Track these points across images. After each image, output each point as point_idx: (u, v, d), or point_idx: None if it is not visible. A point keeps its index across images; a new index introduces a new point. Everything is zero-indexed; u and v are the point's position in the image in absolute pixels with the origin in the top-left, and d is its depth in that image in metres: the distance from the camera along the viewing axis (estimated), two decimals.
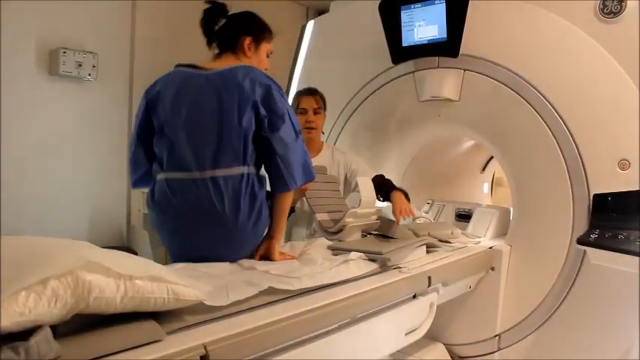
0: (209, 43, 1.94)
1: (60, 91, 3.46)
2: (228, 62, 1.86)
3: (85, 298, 1.00)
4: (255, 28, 1.95)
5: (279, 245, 1.89)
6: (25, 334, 0.91)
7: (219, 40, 1.93)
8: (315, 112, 2.55)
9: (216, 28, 1.92)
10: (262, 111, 1.76)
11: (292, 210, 2.36)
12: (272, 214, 1.86)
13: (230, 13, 1.94)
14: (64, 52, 3.36)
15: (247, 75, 1.77)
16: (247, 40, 1.91)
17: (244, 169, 1.77)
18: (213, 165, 1.75)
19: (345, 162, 2.59)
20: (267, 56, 2.00)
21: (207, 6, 1.91)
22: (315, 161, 2.54)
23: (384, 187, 2.44)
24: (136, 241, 3.76)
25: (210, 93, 1.77)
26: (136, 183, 1.99)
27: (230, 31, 1.92)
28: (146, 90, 1.91)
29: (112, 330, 1.07)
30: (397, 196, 2.38)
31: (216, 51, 1.93)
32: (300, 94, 2.65)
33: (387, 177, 2.57)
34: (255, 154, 1.81)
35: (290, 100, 2.61)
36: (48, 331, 0.94)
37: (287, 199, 1.87)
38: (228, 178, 1.74)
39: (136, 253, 1.58)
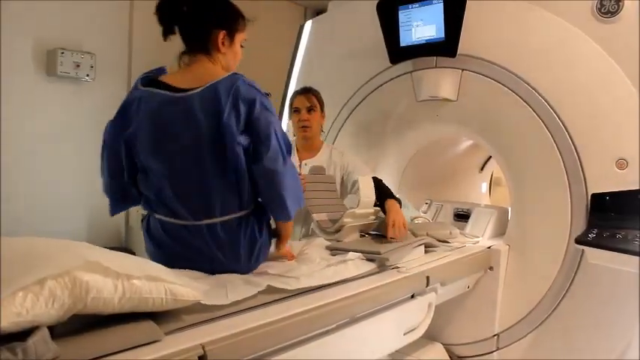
0: (166, 34, 1.62)
1: (58, 92, 3.46)
2: (201, 68, 1.61)
3: (82, 299, 1.00)
4: (228, 20, 1.66)
5: (285, 244, 1.86)
6: (22, 334, 0.91)
7: (185, 36, 1.64)
8: (309, 111, 2.54)
9: (179, 17, 1.61)
10: (243, 141, 1.54)
11: None
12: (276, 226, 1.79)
13: None
14: (62, 53, 3.36)
15: (229, 96, 1.52)
16: (221, 35, 1.63)
17: (241, 214, 1.61)
18: (206, 215, 1.58)
19: (342, 164, 2.57)
20: (242, 46, 1.73)
21: None
22: (314, 161, 2.54)
23: (379, 193, 2.37)
24: (134, 242, 3.75)
25: (192, 132, 1.54)
26: (117, 210, 1.79)
27: (198, 24, 1.63)
28: (115, 124, 1.67)
29: (110, 330, 1.07)
30: (392, 206, 2.23)
31: (185, 51, 1.65)
32: (295, 93, 2.64)
33: (383, 181, 2.56)
34: (252, 187, 1.63)
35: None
36: (45, 332, 0.94)
37: (287, 224, 1.78)
38: (225, 225, 1.58)
39: (134, 254, 1.57)
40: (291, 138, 2.60)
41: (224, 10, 1.66)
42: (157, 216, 1.65)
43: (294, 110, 2.55)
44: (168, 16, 1.60)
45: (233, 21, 1.67)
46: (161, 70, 1.66)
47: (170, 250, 1.63)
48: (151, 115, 1.58)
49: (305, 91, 2.59)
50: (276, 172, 1.57)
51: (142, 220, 1.75)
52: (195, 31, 1.63)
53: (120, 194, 1.73)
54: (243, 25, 1.70)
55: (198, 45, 1.63)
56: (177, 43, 1.63)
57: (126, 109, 1.65)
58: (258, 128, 1.55)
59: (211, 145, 1.53)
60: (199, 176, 1.56)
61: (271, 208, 1.66)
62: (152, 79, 1.63)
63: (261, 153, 1.56)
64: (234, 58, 1.70)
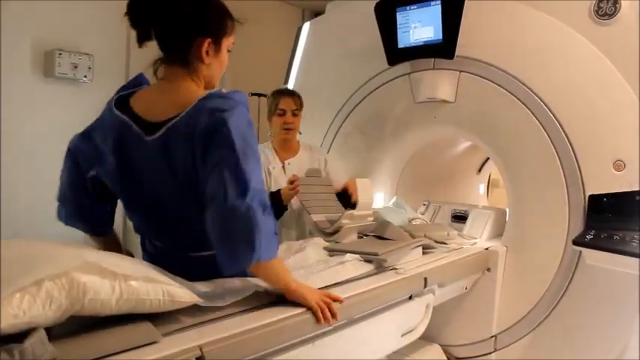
0: (141, 40, 1.39)
1: (55, 93, 3.45)
2: (179, 90, 1.38)
3: (79, 300, 1.00)
4: (214, 24, 1.40)
5: (292, 288, 1.43)
6: (19, 336, 0.91)
7: (161, 44, 1.40)
8: (294, 114, 2.54)
9: (153, 20, 1.37)
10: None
11: (283, 210, 2.35)
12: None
13: None
14: (60, 54, 3.36)
15: (190, 139, 1.30)
16: (205, 44, 1.38)
17: None
18: (194, 250, 1.44)
19: (324, 160, 2.63)
20: (229, 50, 1.47)
21: None
22: (294, 162, 2.56)
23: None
24: (132, 244, 3.74)
25: (163, 179, 1.37)
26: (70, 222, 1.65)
27: (177, 31, 1.38)
28: (84, 139, 1.53)
29: (108, 332, 1.07)
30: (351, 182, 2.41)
31: (162, 59, 1.42)
32: (278, 93, 2.60)
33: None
34: None
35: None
36: (43, 333, 0.94)
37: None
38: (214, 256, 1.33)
39: (132, 256, 1.56)
40: (269, 138, 2.62)
41: (208, 13, 1.40)
42: (147, 240, 1.55)
43: (280, 112, 2.53)
44: (141, 19, 1.37)
45: (219, 25, 1.41)
46: (138, 82, 1.51)
47: (164, 267, 1.49)
48: (119, 152, 1.41)
49: (291, 93, 2.58)
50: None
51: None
52: (174, 40, 1.39)
53: (76, 208, 1.60)
54: (231, 27, 1.44)
55: (177, 55, 1.39)
56: None
57: (95, 130, 1.51)
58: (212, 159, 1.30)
59: (186, 185, 1.35)
60: (179, 213, 1.41)
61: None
62: (126, 99, 1.45)
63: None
64: (220, 67, 1.46)
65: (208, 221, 1.27)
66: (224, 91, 1.40)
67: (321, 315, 1.40)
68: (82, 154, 1.54)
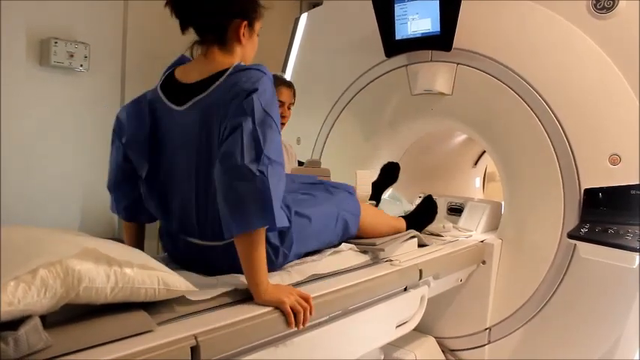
0: (184, 27, 1.48)
1: (51, 82, 3.43)
2: (214, 63, 1.46)
3: (74, 288, 1.00)
4: (250, 8, 1.51)
5: (263, 286, 1.35)
6: (14, 324, 0.91)
7: (200, 28, 1.48)
8: (289, 107, 2.53)
9: (195, 6, 1.45)
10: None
11: None
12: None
13: None
14: (56, 43, 3.33)
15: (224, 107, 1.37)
16: (242, 27, 1.48)
17: None
18: (221, 238, 1.42)
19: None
20: (257, 35, 1.58)
21: None
22: None
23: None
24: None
25: (188, 149, 1.46)
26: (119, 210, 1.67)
27: (216, 13, 1.47)
28: (129, 118, 1.58)
29: (103, 320, 1.07)
30: None
31: (199, 41, 1.50)
32: (277, 83, 2.48)
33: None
34: None
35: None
36: (37, 321, 0.93)
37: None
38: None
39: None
40: None
41: None
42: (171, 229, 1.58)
43: (278, 103, 2.50)
44: (184, 7, 1.45)
45: (254, 8, 1.52)
46: (181, 61, 1.57)
47: (184, 259, 1.57)
48: (151, 125, 1.52)
49: (289, 85, 2.56)
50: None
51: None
52: (214, 22, 1.47)
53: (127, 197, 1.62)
54: (261, 11, 1.55)
55: (215, 37, 1.48)
56: (171, 33, 1.59)
57: (138, 110, 1.56)
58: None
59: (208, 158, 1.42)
60: (206, 198, 1.44)
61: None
62: (170, 75, 1.55)
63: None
64: (253, 48, 1.56)
65: (218, 175, 1.30)
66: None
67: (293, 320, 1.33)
68: (122, 129, 1.60)
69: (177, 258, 1.60)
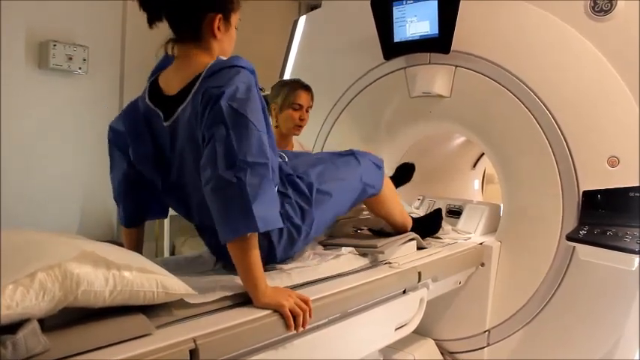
0: (152, 21, 1.45)
1: (50, 85, 3.43)
2: (192, 66, 1.43)
3: (73, 291, 1.00)
4: (224, 0, 1.46)
5: (261, 289, 1.34)
6: (12, 327, 0.91)
7: (173, 22, 1.44)
8: (307, 110, 2.53)
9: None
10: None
11: None
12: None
13: None
14: (55, 45, 3.33)
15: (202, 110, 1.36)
16: (217, 20, 1.43)
17: None
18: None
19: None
20: (236, 28, 1.53)
21: None
22: None
23: None
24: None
25: (183, 161, 1.49)
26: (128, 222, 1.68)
27: (190, 8, 1.42)
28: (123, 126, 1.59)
29: (101, 324, 1.07)
30: None
31: (174, 39, 1.47)
32: (297, 86, 2.54)
33: None
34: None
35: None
36: (36, 325, 0.93)
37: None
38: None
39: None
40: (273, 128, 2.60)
41: None
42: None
43: (296, 106, 2.50)
44: (153, 0, 1.43)
45: (229, 1, 1.47)
46: (167, 62, 1.55)
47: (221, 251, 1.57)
48: (151, 138, 1.53)
49: (308, 89, 2.55)
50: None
51: None
52: (186, 17, 1.43)
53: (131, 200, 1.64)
54: (237, 3, 1.49)
55: (189, 33, 1.44)
56: (169, 35, 1.58)
57: (135, 126, 1.56)
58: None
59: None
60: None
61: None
62: (154, 83, 1.54)
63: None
64: (230, 42, 1.52)
65: (203, 187, 1.32)
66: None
67: (292, 322, 1.32)
68: (120, 140, 1.61)
69: (218, 250, 1.63)
